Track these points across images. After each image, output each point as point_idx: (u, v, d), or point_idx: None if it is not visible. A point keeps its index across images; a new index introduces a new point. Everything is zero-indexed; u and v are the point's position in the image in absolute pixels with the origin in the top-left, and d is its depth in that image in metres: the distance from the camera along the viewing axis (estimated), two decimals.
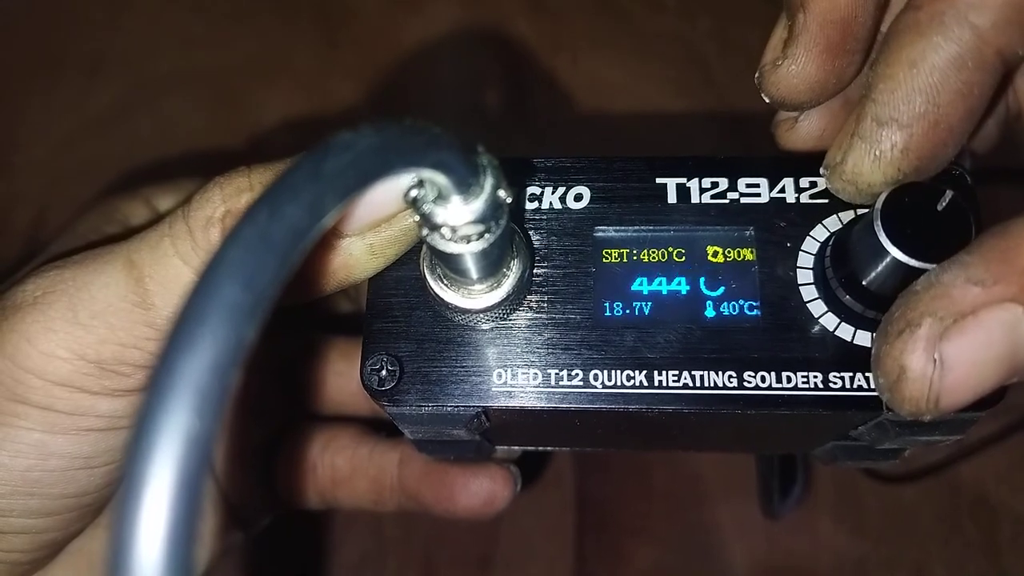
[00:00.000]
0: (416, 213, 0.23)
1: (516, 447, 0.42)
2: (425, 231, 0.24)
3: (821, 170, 0.29)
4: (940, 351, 0.23)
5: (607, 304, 0.30)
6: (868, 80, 0.27)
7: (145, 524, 0.12)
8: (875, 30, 0.29)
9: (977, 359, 0.23)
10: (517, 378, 0.29)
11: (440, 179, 0.21)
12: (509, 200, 0.23)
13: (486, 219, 0.23)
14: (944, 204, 0.26)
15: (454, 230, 0.23)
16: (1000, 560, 0.50)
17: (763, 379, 0.29)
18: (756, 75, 0.30)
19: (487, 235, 0.23)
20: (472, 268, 0.26)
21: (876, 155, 0.26)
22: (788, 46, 0.29)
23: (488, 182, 0.22)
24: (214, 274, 0.14)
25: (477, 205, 0.22)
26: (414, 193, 0.22)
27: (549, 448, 0.48)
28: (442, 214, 0.22)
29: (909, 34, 0.25)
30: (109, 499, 0.34)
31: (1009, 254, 0.23)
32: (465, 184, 0.22)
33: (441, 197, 0.22)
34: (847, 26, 0.28)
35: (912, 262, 0.25)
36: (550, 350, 0.29)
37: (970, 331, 0.23)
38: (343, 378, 0.45)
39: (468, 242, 0.23)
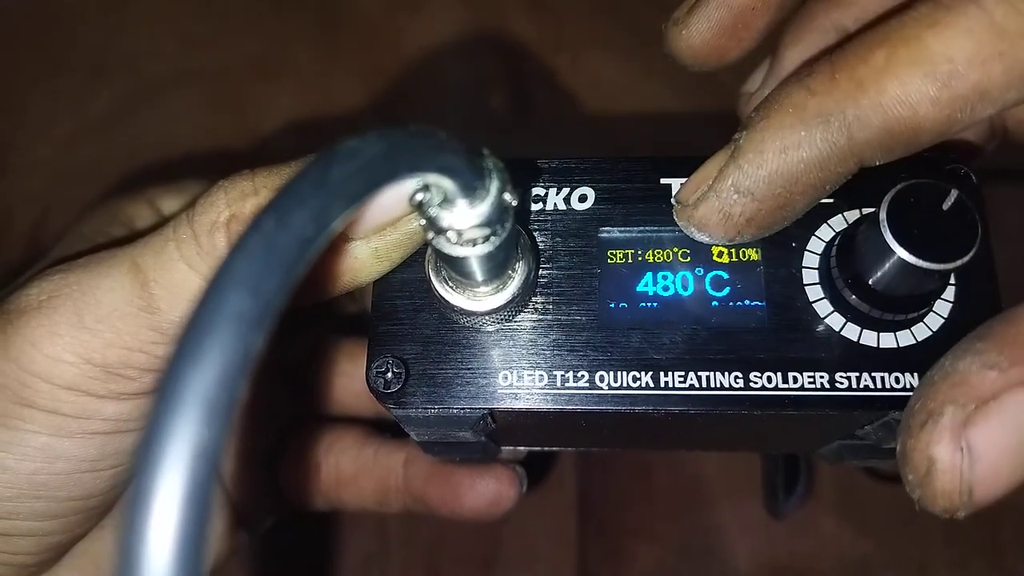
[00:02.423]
0: (422, 217, 0.23)
1: (522, 448, 0.42)
2: (431, 234, 0.24)
3: (672, 200, 0.30)
4: (966, 439, 0.23)
5: (612, 305, 0.30)
6: (740, 140, 0.27)
7: (154, 538, 0.12)
8: (771, 28, 0.31)
9: (1006, 444, 0.23)
10: (523, 380, 0.29)
11: (446, 183, 0.21)
12: (514, 203, 0.23)
13: (492, 222, 0.23)
14: (950, 203, 0.26)
15: (460, 234, 0.23)
16: (1003, 560, 0.50)
17: (769, 380, 0.29)
18: (663, 25, 0.32)
19: (493, 238, 0.23)
20: (477, 271, 0.26)
21: (725, 215, 0.27)
22: (688, 14, 0.31)
23: (493, 185, 0.22)
24: (221, 284, 0.14)
25: (483, 208, 0.22)
26: (419, 197, 0.22)
27: (555, 448, 0.48)
28: (448, 218, 0.22)
29: (791, 117, 0.26)
30: (115, 502, 0.34)
31: (1021, 338, 0.23)
32: (470, 188, 0.22)
33: (447, 201, 0.22)
34: (741, 15, 0.30)
35: (918, 262, 0.25)
36: (556, 351, 0.29)
37: (994, 416, 0.23)
38: (348, 379, 0.45)
39: (474, 245, 0.23)
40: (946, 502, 0.23)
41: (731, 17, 0.30)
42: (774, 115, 0.26)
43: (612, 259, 0.31)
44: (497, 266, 0.26)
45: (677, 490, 0.53)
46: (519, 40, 0.66)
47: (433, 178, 0.21)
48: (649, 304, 0.30)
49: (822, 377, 0.28)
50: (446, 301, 0.28)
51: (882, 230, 0.26)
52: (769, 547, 0.51)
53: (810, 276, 0.30)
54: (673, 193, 0.31)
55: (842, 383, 0.28)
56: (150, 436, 0.13)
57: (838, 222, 0.30)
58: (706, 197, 0.27)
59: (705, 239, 0.29)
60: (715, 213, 0.27)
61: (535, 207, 0.31)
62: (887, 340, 0.29)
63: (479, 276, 0.26)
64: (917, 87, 0.24)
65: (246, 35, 0.67)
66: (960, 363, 0.24)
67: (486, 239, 0.23)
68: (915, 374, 0.28)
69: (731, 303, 0.30)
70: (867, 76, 0.24)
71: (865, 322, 0.29)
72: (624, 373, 0.29)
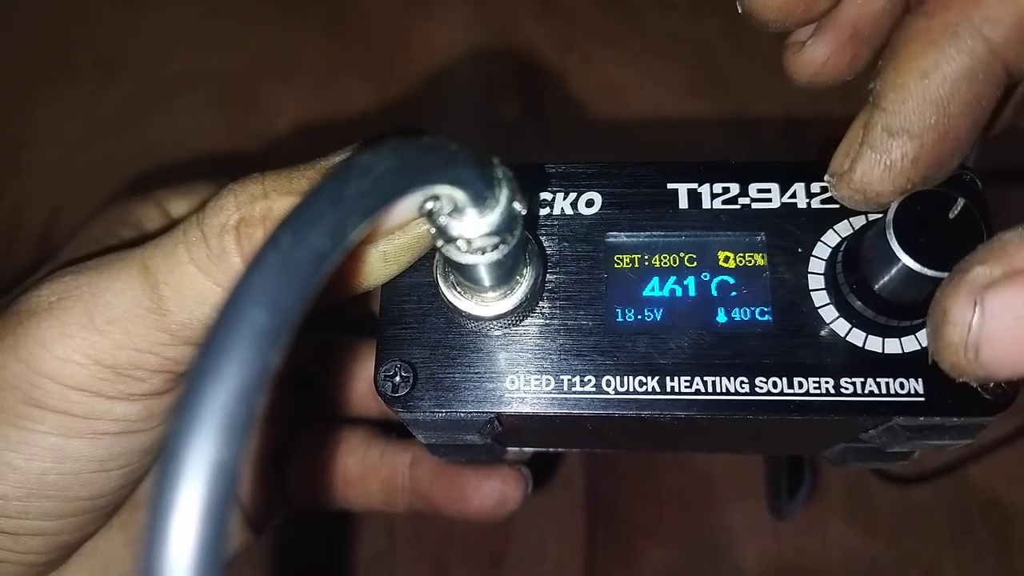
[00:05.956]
0: (432, 225, 0.23)
1: (527, 448, 0.42)
2: (440, 242, 0.24)
3: (826, 178, 0.29)
4: (983, 297, 0.22)
5: (619, 310, 0.30)
6: (875, 88, 0.26)
7: (174, 551, 0.12)
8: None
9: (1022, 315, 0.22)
10: (530, 384, 0.29)
11: (457, 194, 0.21)
12: (524, 212, 0.23)
13: (501, 231, 0.23)
14: (956, 212, 0.26)
15: (469, 242, 0.23)
16: (1012, 562, 0.50)
17: (775, 385, 0.29)
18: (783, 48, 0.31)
19: (502, 246, 0.24)
20: (486, 277, 0.26)
21: (886, 165, 0.26)
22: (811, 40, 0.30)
23: (503, 195, 0.22)
24: (239, 301, 0.14)
25: (492, 218, 0.22)
26: (430, 206, 0.22)
27: (560, 449, 0.49)
28: (458, 227, 0.23)
29: (919, 43, 0.25)
30: (123, 501, 0.34)
31: None
32: (481, 198, 0.22)
33: (457, 210, 0.22)
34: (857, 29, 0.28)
35: (923, 270, 0.25)
36: (562, 356, 0.30)
37: (1019, 286, 0.22)
38: (354, 380, 0.45)
39: (483, 253, 0.24)
40: (952, 356, 0.23)
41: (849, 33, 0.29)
42: (901, 49, 0.25)
43: (619, 264, 0.31)
44: (505, 272, 0.27)
45: (686, 490, 0.53)
46: (528, 42, 0.66)
47: (445, 189, 0.21)
48: (655, 309, 0.30)
49: (827, 382, 0.28)
50: (454, 306, 0.28)
51: (888, 237, 0.26)
52: (778, 547, 0.52)
53: (816, 282, 0.30)
54: (680, 199, 0.31)
55: (847, 388, 0.28)
56: (171, 453, 0.13)
57: (844, 228, 0.30)
58: (861, 154, 0.26)
59: (872, 206, 0.28)
60: (875, 166, 0.26)
61: (542, 212, 0.31)
62: (892, 346, 0.29)
63: (487, 282, 0.27)
64: None
65: (256, 36, 0.67)
66: (1005, 234, 0.23)
67: (495, 247, 0.23)
68: (919, 380, 0.28)
69: (737, 308, 0.30)
70: None
71: (870, 328, 0.29)
72: (630, 378, 0.29)
